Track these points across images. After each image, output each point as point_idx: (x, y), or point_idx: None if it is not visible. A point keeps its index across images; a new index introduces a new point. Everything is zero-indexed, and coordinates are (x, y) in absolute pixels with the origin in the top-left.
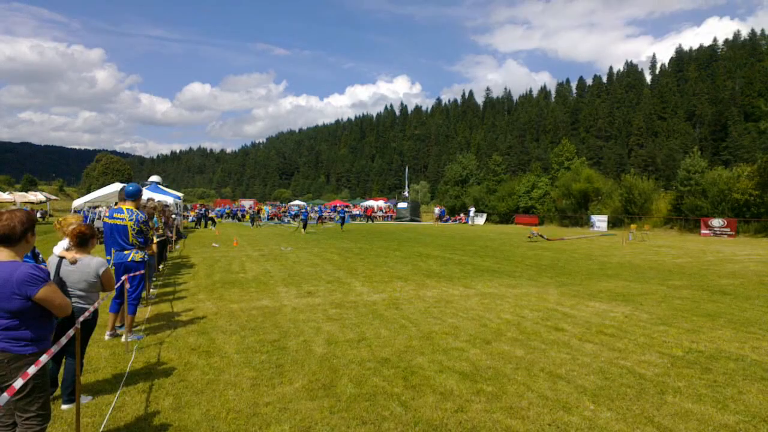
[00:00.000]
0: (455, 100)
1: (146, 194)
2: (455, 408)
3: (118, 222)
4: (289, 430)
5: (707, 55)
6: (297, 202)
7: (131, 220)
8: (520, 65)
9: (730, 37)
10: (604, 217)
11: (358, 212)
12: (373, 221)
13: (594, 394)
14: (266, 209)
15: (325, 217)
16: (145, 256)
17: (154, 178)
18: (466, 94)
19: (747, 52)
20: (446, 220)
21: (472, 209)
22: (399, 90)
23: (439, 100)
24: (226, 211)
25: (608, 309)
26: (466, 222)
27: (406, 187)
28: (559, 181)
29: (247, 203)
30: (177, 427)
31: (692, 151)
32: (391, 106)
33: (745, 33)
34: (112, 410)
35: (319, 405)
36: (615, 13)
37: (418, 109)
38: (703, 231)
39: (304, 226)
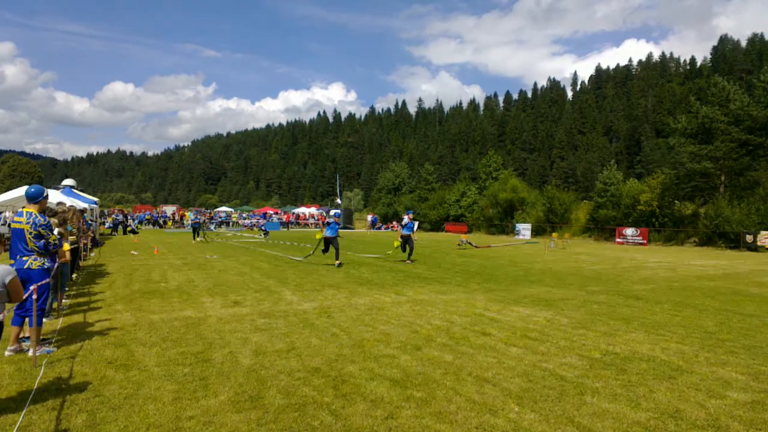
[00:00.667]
0: (389, 109)
1: (59, 198)
2: (385, 415)
3: (18, 226)
4: None
5: (623, 75)
6: (224, 208)
7: (28, 222)
8: (452, 78)
9: (644, 58)
10: (528, 226)
11: (277, 220)
12: (288, 228)
13: (519, 397)
14: (190, 215)
15: (254, 225)
16: (46, 263)
17: (68, 181)
18: (400, 104)
19: (658, 72)
20: (378, 228)
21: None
22: (334, 97)
23: (372, 109)
24: (146, 216)
25: (532, 314)
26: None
27: (338, 195)
28: (487, 191)
29: (169, 209)
30: None
31: (609, 164)
32: (324, 112)
33: (656, 55)
34: (17, 430)
35: (245, 417)
36: (542, 31)
37: (351, 116)
38: (617, 239)
39: (196, 234)
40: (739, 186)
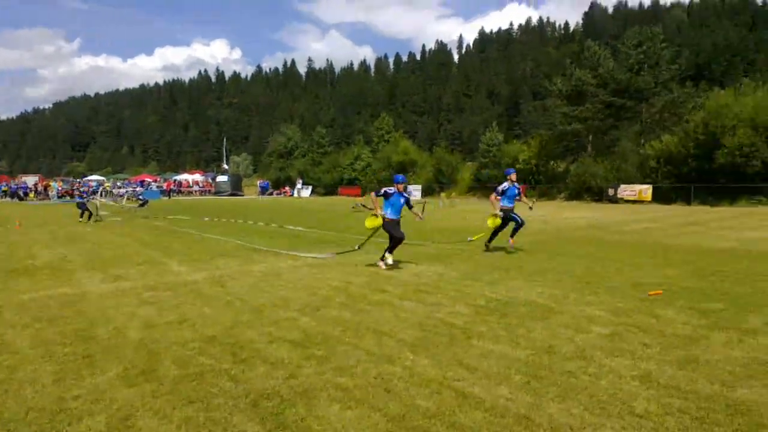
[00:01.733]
0: (277, 69)
1: None
2: (287, 375)
3: None
4: (106, 420)
5: (505, 39)
6: (95, 177)
7: None
8: (343, 37)
9: (523, 22)
10: (419, 187)
11: (157, 188)
12: (170, 197)
13: (413, 345)
14: (55, 185)
15: (130, 194)
16: None
17: None
18: (289, 63)
19: (537, 37)
20: (270, 194)
21: (300, 181)
22: (217, 54)
23: (259, 68)
24: (3, 188)
25: (424, 269)
26: (292, 195)
27: (225, 160)
28: (380, 153)
29: (30, 179)
30: None
31: (491, 127)
32: (206, 71)
33: (535, 19)
34: None
35: (139, 391)
36: None
37: (236, 76)
38: None
39: (85, 212)
40: (603, 144)
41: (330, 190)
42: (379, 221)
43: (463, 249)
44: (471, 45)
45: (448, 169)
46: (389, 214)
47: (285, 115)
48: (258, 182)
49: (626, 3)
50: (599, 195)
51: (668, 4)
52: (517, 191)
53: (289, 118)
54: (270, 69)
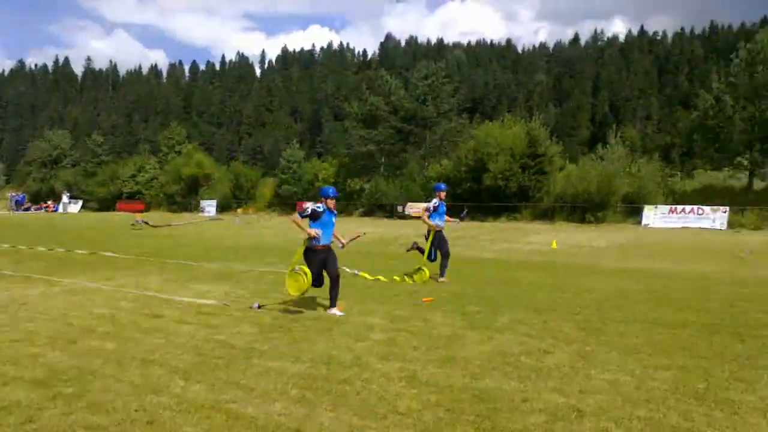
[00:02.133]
0: (45, 66)
1: None
2: (22, 420)
3: None
4: None
5: (308, 58)
6: None
7: None
8: (132, 38)
9: (325, 45)
10: (214, 202)
11: None
12: None
13: (186, 372)
14: None
15: None
16: None
17: None
18: (62, 61)
19: (337, 60)
20: (27, 209)
21: (66, 195)
22: None
23: (22, 63)
24: None
25: (210, 289)
26: (56, 210)
27: None
28: (169, 165)
29: None
30: None
31: (293, 143)
32: None
33: (336, 44)
34: None
35: None
36: (233, 4)
37: None
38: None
39: None
40: (394, 166)
41: (106, 204)
42: (307, 283)
43: (252, 268)
44: (274, 61)
45: (247, 184)
46: (320, 240)
47: (54, 118)
48: (10, 195)
49: (416, 38)
50: (390, 212)
51: (451, 43)
52: (444, 208)
53: (59, 122)
54: (36, 65)
